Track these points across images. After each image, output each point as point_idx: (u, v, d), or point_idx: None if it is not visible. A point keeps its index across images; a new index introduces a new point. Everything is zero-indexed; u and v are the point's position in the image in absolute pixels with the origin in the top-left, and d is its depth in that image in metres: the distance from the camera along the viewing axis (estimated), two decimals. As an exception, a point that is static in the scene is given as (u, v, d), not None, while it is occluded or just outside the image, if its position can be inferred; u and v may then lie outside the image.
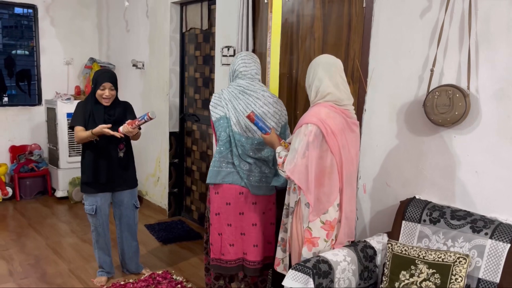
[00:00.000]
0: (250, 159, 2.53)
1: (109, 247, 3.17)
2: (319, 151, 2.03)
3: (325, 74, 2.09)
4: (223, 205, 2.56)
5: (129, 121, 2.86)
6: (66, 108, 4.95)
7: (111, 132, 2.79)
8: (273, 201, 2.66)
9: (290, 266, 2.23)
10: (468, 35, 2.02)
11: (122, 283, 3.11)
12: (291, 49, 2.92)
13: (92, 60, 5.45)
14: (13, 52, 5.38)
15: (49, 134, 5.29)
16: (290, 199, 2.26)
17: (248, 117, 2.33)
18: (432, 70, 2.13)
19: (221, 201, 2.56)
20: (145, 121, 2.82)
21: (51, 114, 5.16)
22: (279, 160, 2.17)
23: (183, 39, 4.45)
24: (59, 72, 5.50)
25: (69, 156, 5.06)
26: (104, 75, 2.94)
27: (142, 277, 3.19)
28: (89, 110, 2.93)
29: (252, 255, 2.59)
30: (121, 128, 2.83)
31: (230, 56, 3.50)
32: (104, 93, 2.89)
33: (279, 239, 2.37)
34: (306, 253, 2.11)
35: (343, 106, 2.11)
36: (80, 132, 2.89)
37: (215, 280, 2.74)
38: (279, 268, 2.36)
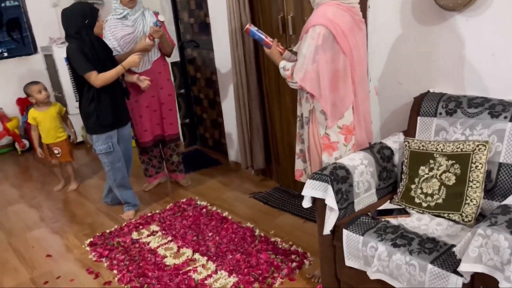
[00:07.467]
0: None
1: (127, 179, 3.20)
2: (331, 53, 1.93)
3: None
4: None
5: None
6: (63, 52, 4.76)
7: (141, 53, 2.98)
8: None
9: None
10: None
11: (149, 214, 3.21)
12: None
13: (79, -3, 5.19)
14: (2, 5, 5.13)
15: (52, 82, 5.22)
16: (302, 109, 2.19)
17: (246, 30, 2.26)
18: (438, -51, 1.94)
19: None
20: (159, 26, 2.95)
21: (50, 61, 5.04)
22: (287, 73, 2.08)
23: (168, -41, 4.17)
24: (48, 16, 5.28)
25: (77, 101, 5.00)
26: (94, 9, 2.83)
27: (167, 207, 3.29)
28: (88, 49, 2.79)
29: None
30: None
31: (219, -30, 3.27)
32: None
33: (297, 150, 2.35)
34: (328, 159, 2.10)
35: (349, 3, 1.96)
36: (101, 75, 2.78)
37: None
38: (302, 179, 2.35)
